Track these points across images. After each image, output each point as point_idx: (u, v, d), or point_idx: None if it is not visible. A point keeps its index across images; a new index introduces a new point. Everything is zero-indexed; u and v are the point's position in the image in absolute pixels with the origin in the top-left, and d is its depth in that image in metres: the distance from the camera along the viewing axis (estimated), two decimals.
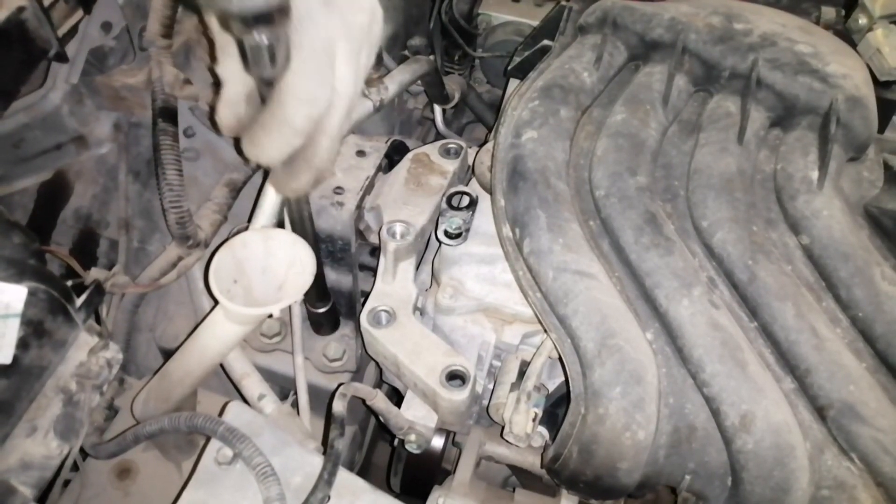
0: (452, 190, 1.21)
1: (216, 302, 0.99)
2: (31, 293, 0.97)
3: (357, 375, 1.45)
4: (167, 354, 1.43)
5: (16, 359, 0.96)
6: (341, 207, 1.28)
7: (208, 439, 1.03)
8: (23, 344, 0.97)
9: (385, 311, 1.14)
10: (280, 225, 1.23)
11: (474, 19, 1.87)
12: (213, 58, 0.92)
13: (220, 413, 1.06)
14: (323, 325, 1.40)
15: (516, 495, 1.22)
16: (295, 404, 1.30)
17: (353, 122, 1.31)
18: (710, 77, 1.18)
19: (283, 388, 1.45)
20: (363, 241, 1.34)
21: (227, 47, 0.88)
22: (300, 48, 0.82)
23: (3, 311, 0.94)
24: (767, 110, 1.15)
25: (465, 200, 1.20)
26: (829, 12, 1.35)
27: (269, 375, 1.37)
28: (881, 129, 1.24)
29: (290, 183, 0.96)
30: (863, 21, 1.26)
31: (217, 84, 0.91)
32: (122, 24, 1.62)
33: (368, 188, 1.32)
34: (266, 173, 1.21)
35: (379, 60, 1.32)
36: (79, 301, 1.09)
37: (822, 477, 0.89)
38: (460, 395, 1.05)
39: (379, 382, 1.43)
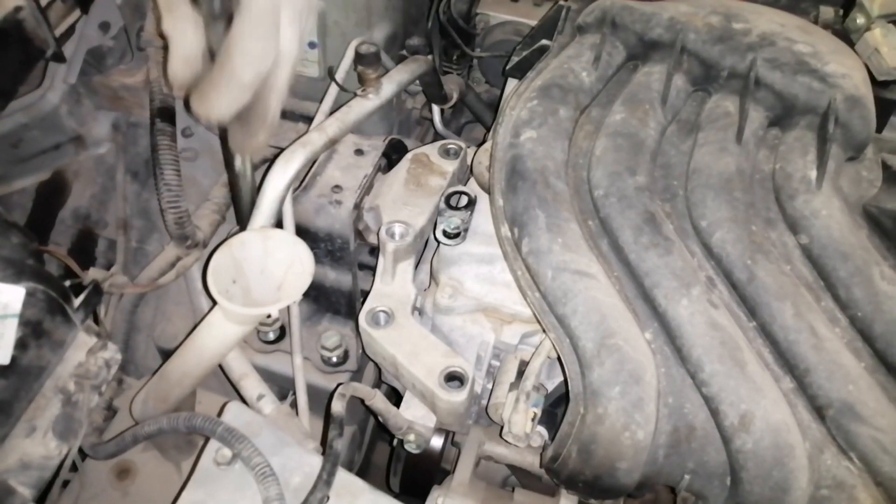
0: (451, 189, 1.21)
1: (215, 302, 0.98)
2: (30, 293, 0.97)
3: (356, 375, 1.45)
4: (166, 355, 1.43)
5: (14, 359, 0.96)
6: (339, 206, 1.28)
7: (207, 439, 1.03)
8: (21, 344, 0.97)
9: (384, 311, 1.14)
10: (278, 225, 1.23)
11: (473, 19, 1.87)
12: (159, 19, 1.01)
13: (219, 413, 1.06)
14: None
15: (515, 495, 1.22)
16: (294, 404, 1.30)
17: (352, 122, 1.31)
18: (708, 77, 1.18)
19: (282, 388, 1.45)
20: (362, 242, 1.34)
21: (172, 5, 0.95)
22: (248, 10, 0.89)
23: (1, 311, 0.94)
24: (766, 110, 1.15)
25: (464, 200, 1.20)
26: (827, 12, 1.35)
27: (268, 376, 1.37)
28: (879, 129, 1.24)
29: (248, 141, 1.05)
30: (861, 20, 1.26)
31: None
32: (120, 24, 1.62)
33: (367, 187, 1.32)
34: (264, 175, 1.22)
35: (377, 60, 1.32)
36: (77, 301, 1.08)
37: (821, 476, 0.89)
38: (459, 397, 1.05)
39: (378, 382, 1.43)
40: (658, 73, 1.19)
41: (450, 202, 1.19)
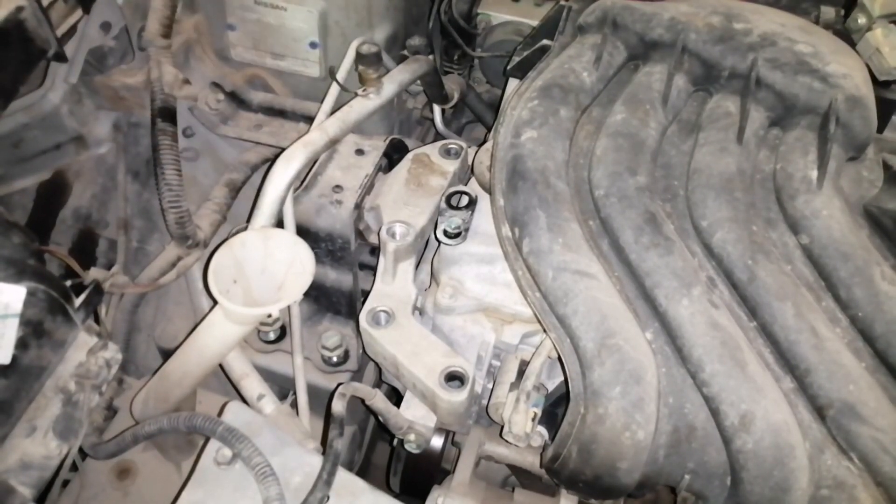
0: (451, 189, 1.21)
1: (215, 302, 0.98)
2: (31, 293, 0.97)
3: (357, 375, 1.45)
4: (166, 354, 1.43)
5: (15, 359, 0.96)
6: (340, 206, 1.28)
7: (207, 439, 1.03)
8: (22, 344, 0.97)
9: (384, 311, 1.14)
10: (279, 225, 1.23)
11: (473, 19, 1.87)
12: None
13: (220, 413, 1.06)
14: None
15: (516, 495, 1.22)
16: (294, 404, 1.30)
17: (353, 122, 1.32)
18: (709, 77, 1.18)
19: (283, 388, 1.45)
20: (363, 241, 1.34)
21: None
22: None
23: (2, 311, 0.94)
24: (767, 110, 1.15)
25: (465, 200, 1.19)
26: (828, 12, 1.35)
27: (269, 375, 1.37)
28: (880, 129, 1.24)
29: None
30: (862, 21, 1.26)
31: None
32: (122, 24, 1.62)
33: (368, 187, 1.32)
34: (265, 175, 1.22)
35: (378, 60, 1.32)
36: (78, 301, 1.08)
37: (821, 476, 0.89)
38: (459, 397, 1.05)
39: (378, 382, 1.43)
40: (659, 73, 1.19)
41: (450, 202, 1.19)
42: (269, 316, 1.40)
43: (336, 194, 1.29)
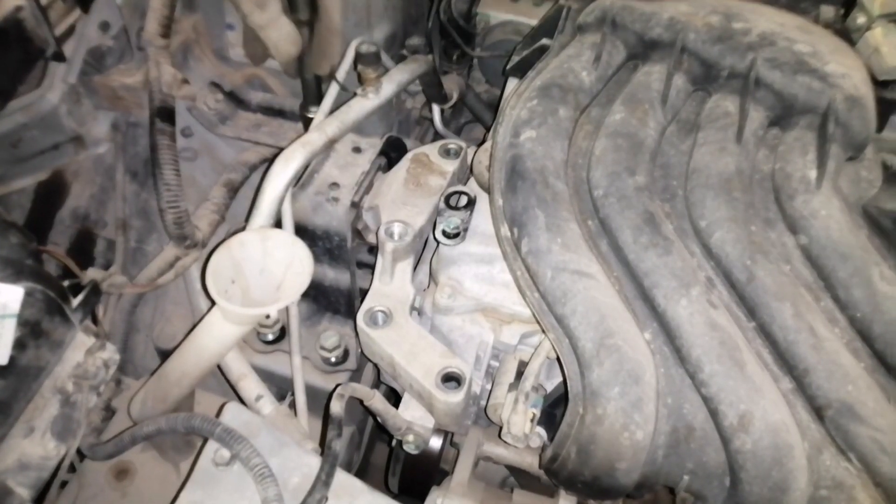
0: (450, 189, 1.21)
1: (214, 302, 0.98)
2: (28, 293, 0.97)
3: (356, 375, 1.45)
4: (164, 355, 1.43)
5: (12, 359, 0.96)
6: (337, 203, 1.28)
7: (206, 440, 1.03)
8: (19, 344, 0.97)
9: (382, 311, 1.14)
10: (277, 225, 1.23)
11: (473, 19, 1.87)
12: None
13: (218, 414, 1.06)
14: None
15: (514, 496, 1.22)
16: (293, 405, 1.30)
17: (352, 122, 1.31)
18: (708, 76, 1.18)
19: (281, 388, 1.45)
20: (361, 241, 1.34)
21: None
22: None
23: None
24: (766, 110, 1.14)
25: (464, 200, 1.19)
26: (827, 11, 1.35)
27: (267, 376, 1.37)
28: (879, 129, 1.23)
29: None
30: (861, 20, 1.26)
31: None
32: (120, 24, 1.62)
33: (367, 186, 1.32)
34: (264, 175, 1.22)
35: (377, 60, 1.32)
36: (76, 301, 1.08)
37: (820, 477, 0.88)
38: (455, 398, 1.05)
39: (377, 383, 1.43)
40: (658, 73, 1.18)
41: (449, 202, 1.19)
42: (268, 317, 1.40)
43: (333, 192, 1.29)
